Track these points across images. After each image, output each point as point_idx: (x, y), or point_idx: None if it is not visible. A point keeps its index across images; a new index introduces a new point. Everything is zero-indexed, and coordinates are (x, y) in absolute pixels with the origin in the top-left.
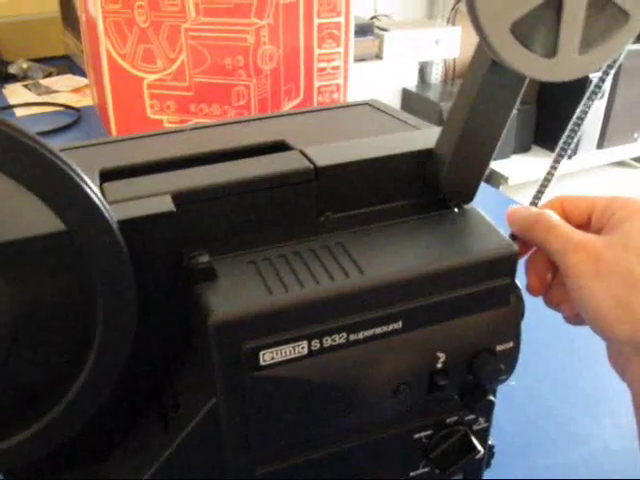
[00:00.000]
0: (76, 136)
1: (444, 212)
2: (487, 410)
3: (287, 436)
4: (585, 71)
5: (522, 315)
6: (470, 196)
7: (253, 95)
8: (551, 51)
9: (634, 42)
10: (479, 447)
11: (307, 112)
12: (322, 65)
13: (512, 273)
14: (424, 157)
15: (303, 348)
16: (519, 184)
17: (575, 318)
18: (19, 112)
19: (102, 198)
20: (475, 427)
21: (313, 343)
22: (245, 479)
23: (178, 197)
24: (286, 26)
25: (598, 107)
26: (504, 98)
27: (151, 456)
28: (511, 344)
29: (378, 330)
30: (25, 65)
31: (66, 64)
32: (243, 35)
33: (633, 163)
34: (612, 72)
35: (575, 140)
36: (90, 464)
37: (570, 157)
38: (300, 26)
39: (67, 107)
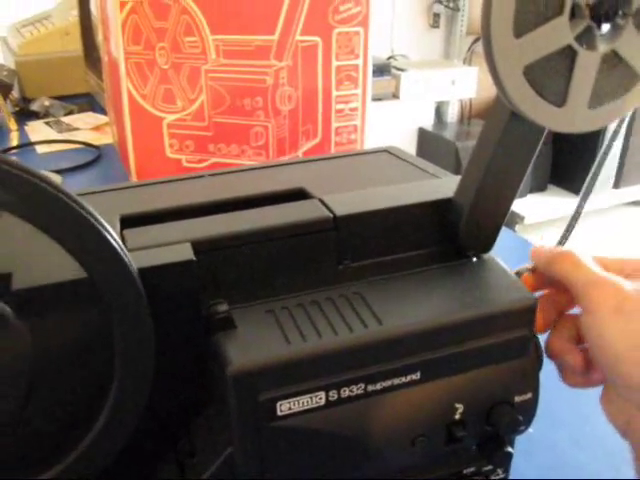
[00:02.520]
0: (96, 174)
1: (462, 262)
2: (505, 461)
3: None
4: (593, 126)
5: (541, 364)
6: (489, 246)
7: (271, 135)
8: (561, 100)
9: None
10: None
11: (325, 159)
12: (340, 106)
13: (530, 324)
14: (443, 207)
15: (320, 399)
16: (535, 223)
17: (578, 371)
18: (40, 149)
19: (123, 246)
20: (493, 478)
21: (331, 394)
22: None
23: (198, 245)
24: (305, 68)
25: (614, 147)
26: (522, 149)
27: None
28: (529, 395)
29: (396, 381)
30: (47, 102)
31: (87, 102)
32: (262, 77)
33: None
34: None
35: (595, 179)
36: None
37: (584, 199)
38: (319, 68)
39: (87, 145)
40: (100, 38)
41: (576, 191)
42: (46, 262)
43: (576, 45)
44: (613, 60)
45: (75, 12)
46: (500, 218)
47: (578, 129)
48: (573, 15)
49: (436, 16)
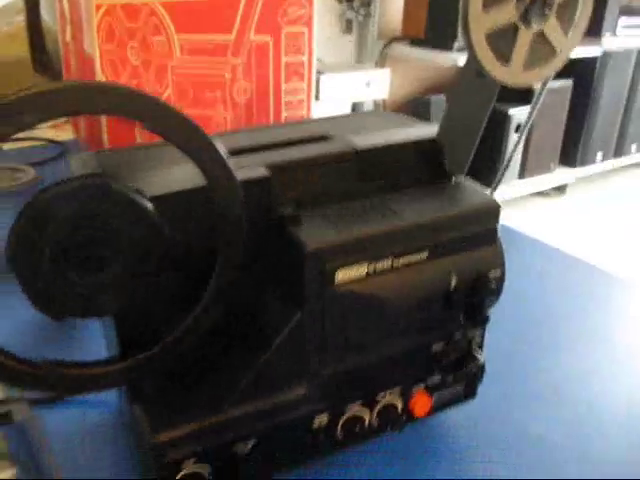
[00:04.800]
0: (64, 166)
1: (446, 182)
2: (484, 321)
3: (350, 337)
4: (528, 82)
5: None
6: (463, 171)
7: (230, 125)
8: (507, 60)
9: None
10: (480, 356)
11: (329, 119)
12: (288, 98)
13: (497, 220)
14: (431, 143)
15: (365, 269)
16: None
17: None
18: (5, 145)
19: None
20: (474, 342)
21: (370, 266)
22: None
23: (270, 168)
24: (258, 64)
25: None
26: (484, 99)
27: (247, 364)
28: (499, 272)
29: (412, 258)
30: None
31: None
32: (221, 72)
33: (551, 192)
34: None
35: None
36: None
37: (495, 188)
38: (270, 64)
39: (51, 141)
40: (67, 38)
41: (481, 182)
42: (171, 179)
43: (519, 22)
44: (542, 38)
45: (20, 17)
46: (469, 151)
47: (517, 84)
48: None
49: (348, 22)
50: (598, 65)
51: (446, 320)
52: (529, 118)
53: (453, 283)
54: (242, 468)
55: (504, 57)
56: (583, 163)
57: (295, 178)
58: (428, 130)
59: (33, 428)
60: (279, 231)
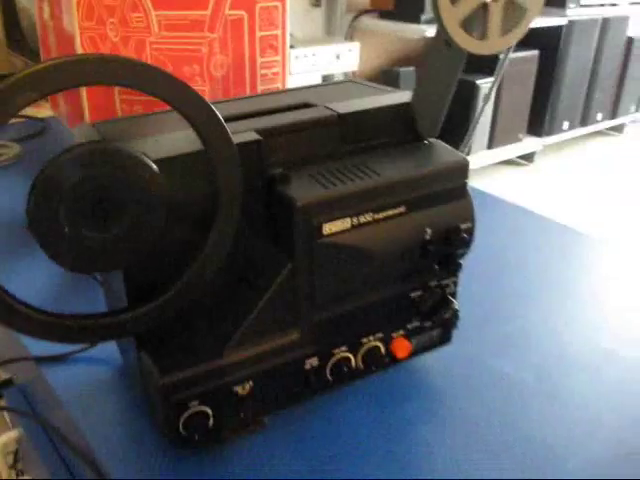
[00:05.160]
0: (47, 141)
1: (420, 143)
2: (457, 270)
3: (337, 286)
4: (506, 46)
5: None
6: (435, 132)
7: (208, 98)
8: (484, 35)
9: (515, 50)
10: (454, 301)
11: (306, 88)
12: (264, 72)
13: (466, 176)
14: (405, 108)
15: (349, 222)
16: None
17: None
18: None
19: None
20: (448, 290)
21: (354, 220)
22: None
23: (260, 132)
24: (233, 38)
25: (486, 111)
26: (452, 68)
27: (243, 312)
28: (469, 224)
29: (390, 212)
30: None
31: None
32: (198, 47)
33: (520, 161)
34: (499, 76)
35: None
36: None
37: (465, 149)
38: (245, 38)
39: (30, 118)
40: (45, 17)
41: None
42: (173, 144)
43: (488, 0)
44: (510, 5)
45: None
46: (440, 114)
47: (496, 51)
48: None
49: None
50: (563, 35)
51: (423, 269)
52: (493, 84)
53: (428, 234)
54: (241, 408)
55: (482, 34)
56: (550, 132)
57: (283, 142)
58: (402, 96)
59: (38, 386)
60: (270, 190)
